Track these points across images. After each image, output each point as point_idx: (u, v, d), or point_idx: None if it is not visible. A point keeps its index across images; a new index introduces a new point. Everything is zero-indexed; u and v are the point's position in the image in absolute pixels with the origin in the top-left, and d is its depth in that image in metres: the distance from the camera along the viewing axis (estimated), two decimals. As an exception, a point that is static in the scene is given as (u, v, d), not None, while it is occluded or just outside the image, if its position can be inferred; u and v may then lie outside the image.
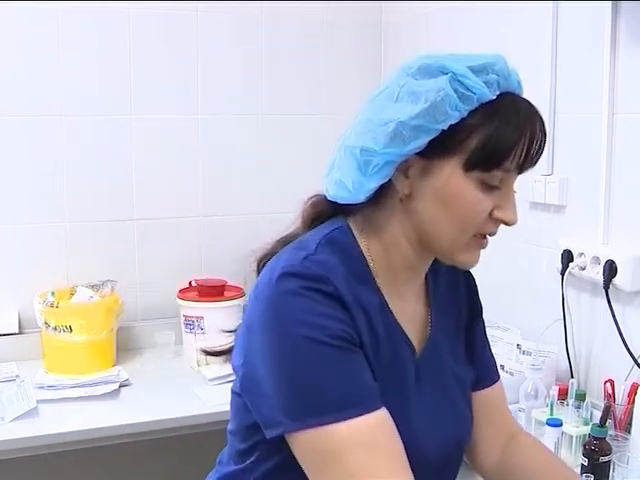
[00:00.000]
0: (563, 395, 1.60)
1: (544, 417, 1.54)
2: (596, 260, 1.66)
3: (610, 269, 1.61)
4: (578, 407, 1.53)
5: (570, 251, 1.74)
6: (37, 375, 2.03)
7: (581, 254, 1.71)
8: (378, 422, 0.88)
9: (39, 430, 1.75)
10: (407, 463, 0.88)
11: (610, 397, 1.57)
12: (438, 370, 1.04)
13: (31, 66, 2.20)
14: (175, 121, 2.35)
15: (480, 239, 0.97)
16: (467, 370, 1.11)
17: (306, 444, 0.87)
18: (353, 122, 0.99)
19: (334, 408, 0.86)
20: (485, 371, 1.16)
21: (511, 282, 2.00)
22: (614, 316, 1.61)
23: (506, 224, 0.96)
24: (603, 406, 1.46)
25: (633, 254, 1.59)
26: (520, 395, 1.63)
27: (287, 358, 0.88)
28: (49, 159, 2.24)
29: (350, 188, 0.96)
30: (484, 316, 2.06)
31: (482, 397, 1.15)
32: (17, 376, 2.02)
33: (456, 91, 0.90)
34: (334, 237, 0.98)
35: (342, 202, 0.99)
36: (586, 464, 1.40)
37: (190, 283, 2.29)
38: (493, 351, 1.90)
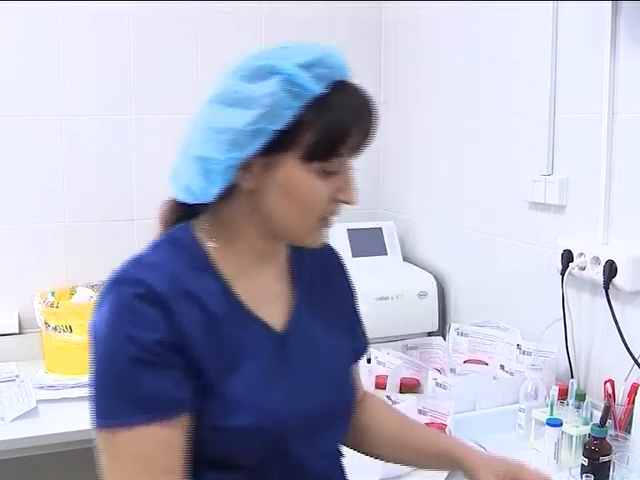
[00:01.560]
0: (563, 395, 1.60)
1: (544, 417, 1.54)
2: (596, 260, 1.66)
3: (610, 269, 1.61)
4: (578, 407, 1.53)
5: (570, 251, 1.74)
6: (37, 375, 2.03)
7: (581, 254, 1.71)
8: (162, 434, 0.92)
9: (39, 430, 1.75)
10: None
11: (610, 397, 1.57)
12: (307, 342, 1.08)
13: (31, 66, 2.20)
14: (175, 121, 2.34)
15: (325, 220, 1.03)
16: (346, 341, 1.16)
17: (99, 444, 0.95)
18: (191, 126, 1.03)
19: (121, 415, 0.92)
20: (357, 347, 1.22)
21: (511, 282, 2.00)
22: (614, 316, 1.61)
23: (347, 203, 1.02)
24: (603, 406, 1.47)
25: (633, 254, 1.59)
26: (520, 395, 1.63)
27: (95, 364, 0.94)
28: (49, 159, 2.24)
29: (197, 193, 1.01)
30: (485, 316, 2.08)
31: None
32: (17, 376, 2.02)
33: (289, 91, 0.93)
34: (173, 235, 1.04)
35: (192, 203, 1.04)
36: (586, 464, 1.40)
37: (190, 283, 2.29)
38: (492, 351, 1.92)
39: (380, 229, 2.44)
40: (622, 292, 1.62)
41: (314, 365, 1.07)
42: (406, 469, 1.56)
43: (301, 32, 2.47)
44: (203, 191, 1.00)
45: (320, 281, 1.15)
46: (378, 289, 2.18)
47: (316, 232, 1.04)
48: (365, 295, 2.15)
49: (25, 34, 2.19)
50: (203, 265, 1.02)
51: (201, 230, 1.04)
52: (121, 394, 0.93)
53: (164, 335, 0.94)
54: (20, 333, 2.21)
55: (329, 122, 0.96)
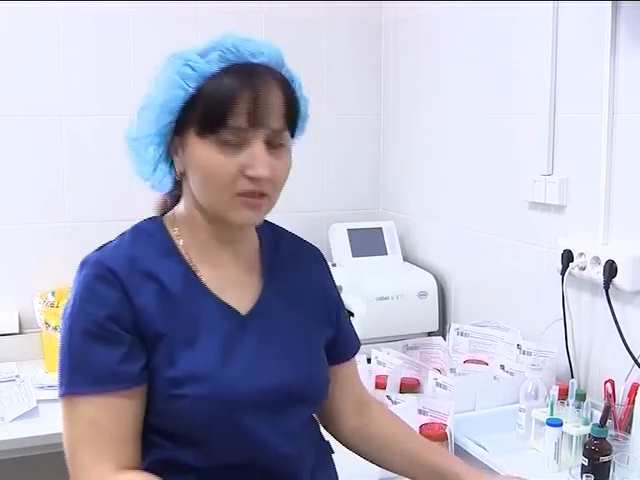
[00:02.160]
0: (563, 395, 1.60)
1: (544, 417, 1.54)
2: (596, 260, 1.66)
3: (610, 269, 1.61)
4: (578, 407, 1.53)
5: (570, 251, 1.74)
6: (37, 375, 2.03)
7: (581, 254, 1.71)
8: (110, 405, 1.02)
9: (39, 430, 1.75)
10: (118, 453, 1.02)
11: (610, 397, 1.57)
12: (270, 326, 1.13)
13: (31, 66, 2.20)
14: (175, 121, 2.35)
15: (244, 198, 1.05)
16: (318, 333, 1.19)
17: (61, 410, 1.06)
18: None
19: (74, 385, 1.04)
20: (345, 345, 1.27)
21: (511, 282, 2.00)
22: (614, 316, 1.61)
23: (257, 178, 1.04)
24: (603, 406, 1.47)
25: (633, 254, 1.59)
26: (520, 395, 1.63)
27: (60, 339, 1.07)
28: (49, 159, 2.24)
29: (137, 174, 1.12)
30: (485, 316, 2.07)
31: (342, 370, 1.26)
32: (17, 376, 2.02)
33: (181, 73, 1.04)
34: (139, 226, 1.14)
35: (154, 191, 1.16)
36: (586, 464, 1.40)
37: (190, 283, 2.29)
38: (492, 351, 1.92)
39: (380, 229, 2.44)
40: (622, 292, 1.62)
41: (274, 348, 1.11)
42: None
43: (301, 32, 2.47)
44: (138, 171, 1.12)
45: (295, 275, 1.19)
46: (378, 289, 2.18)
47: (236, 209, 1.06)
48: (365, 295, 2.16)
49: (25, 34, 2.19)
50: (168, 251, 1.10)
51: (169, 220, 1.14)
52: (74, 366, 1.04)
53: (116, 311, 1.02)
54: (20, 333, 2.21)
55: (212, 94, 1.03)
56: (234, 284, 1.12)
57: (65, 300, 2.11)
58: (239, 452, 1.05)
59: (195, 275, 1.09)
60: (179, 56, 1.06)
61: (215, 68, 1.04)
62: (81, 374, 1.03)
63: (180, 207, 1.14)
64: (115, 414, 1.02)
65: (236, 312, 1.10)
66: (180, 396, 1.01)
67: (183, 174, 1.09)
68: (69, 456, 1.04)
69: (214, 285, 1.10)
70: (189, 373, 1.02)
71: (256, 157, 1.03)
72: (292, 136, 1.11)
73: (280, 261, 1.19)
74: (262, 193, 1.05)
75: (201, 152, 1.04)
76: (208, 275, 1.10)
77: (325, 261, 1.28)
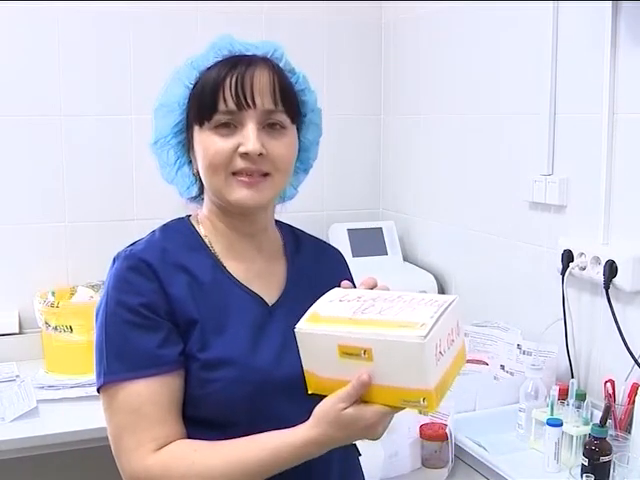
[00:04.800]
0: (563, 395, 1.60)
1: (544, 417, 1.54)
2: (596, 260, 1.66)
3: (610, 269, 1.61)
4: (578, 407, 1.53)
5: (570, 251, 1.74)
6: (37, 375, 2.03)
7: (581, 254, 1.71)
8: (150, 389, 1.03)
9: (39, 430, 1.75)
10: (158, 433, 1.03)
11: (610, 397, 1.57)
12: (294, 316, 1.14)
13: (31, 66, 2.20)
14: (175, 121, 2.35)
15: (238, 176, 1.09)
16: None
17: (102, 402, 1.08)
18: None
19: (112, 373, 1.05)
20: None
21: (511, 282, 2.00)
22: (614, 316, 1.61)
23: (248, 154, 1.07)
24: (603, 406, 1.47)
25: (633, 254, 1.59)
26: (520, 395, 1.63)
27: (97, 331, 1.09)
28: (49, 159, 2.24)
29: (167, 181, 1.20)
30: (485, 316, 2.07)
31: None
32: (17, 376, 2.02)
33: (183, 72, 1.12)
34: (168, 225, 1.20)
35: (183, 197, 1.22)
36: (586, 464, 1.40)
37: (190, 283, 2.28)
38: (492, 351, 1.92)
39: (380, 229, 2.44)
40: (622, 292, 1.62)
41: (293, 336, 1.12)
42: (406, 469, 1.56)
43: (301, 32, 2.47)
44: (163, 175, 1.19)
45: (317, 270, 1.24)
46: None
47: (233, 188, 1.09)
48: (365, 295, 2.15)
49: (25, 34, 2.19)
50: (196, 245, 1.15)
51: (194, 219, 1.20)
52: (113, 355, 1.05)
53: (151, 300, 1.06)
54: (20, 333, 2.21)
55: (202, 84, 1.10)
56: (260, 276, 1.17)
57: (65, 300, 2.13)
58: None
59: (223, 267, 1.14)
60: (185, 60, 1.13)
61: (210, 62, 1.11)
62: (120, 361, 1.05)
63: (203, 208, 1.19)
64: (155, 398, 1.04)
65: (263, 301, 1.14)
66: (213, 380, 1.05)
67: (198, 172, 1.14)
68: (114, 446, 1.06)
69: (241, 277, 1.15)
70: (221, 358, 1.06)
71: (246, 135, 1.07)
72: (295, 124, 1.16)
73: (303, 257, 1.24)
74: (263, 173, 1.09)
75: (201, 140, 1.10)
76: (234, 267, 1.15)
77: (344, 259, 1.33)
